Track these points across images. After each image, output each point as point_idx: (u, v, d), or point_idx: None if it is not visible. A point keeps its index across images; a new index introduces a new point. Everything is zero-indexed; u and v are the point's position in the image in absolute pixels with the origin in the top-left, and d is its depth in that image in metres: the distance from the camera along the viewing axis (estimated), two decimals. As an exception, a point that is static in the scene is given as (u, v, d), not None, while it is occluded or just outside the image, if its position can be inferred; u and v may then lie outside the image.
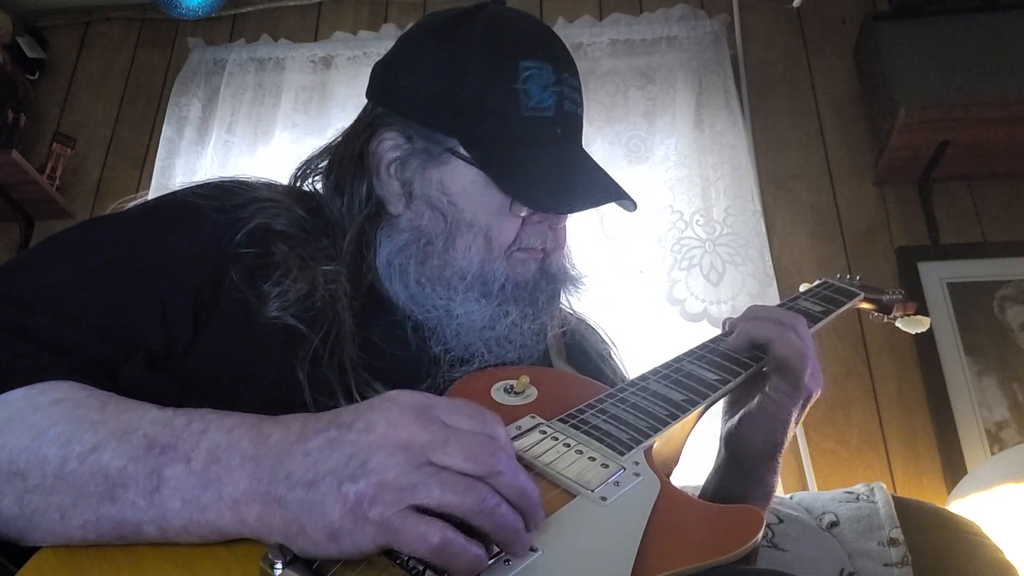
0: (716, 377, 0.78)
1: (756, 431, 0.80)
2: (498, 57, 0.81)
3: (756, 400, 0.80)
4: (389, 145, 0.84)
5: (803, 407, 0.80)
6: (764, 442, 0.80)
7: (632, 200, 0.85)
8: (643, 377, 0.79)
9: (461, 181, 0.81)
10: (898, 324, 1.14)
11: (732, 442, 0.82)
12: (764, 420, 0.79)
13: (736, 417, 0.82)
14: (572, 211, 0.84)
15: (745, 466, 0.82)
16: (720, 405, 0.85)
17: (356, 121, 0.90)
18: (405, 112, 0.83)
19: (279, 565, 0.48)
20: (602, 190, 0.83)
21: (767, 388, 0.79)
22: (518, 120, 0.80)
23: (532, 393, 0.74)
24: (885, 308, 1.12)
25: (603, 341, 1.00)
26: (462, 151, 0.80)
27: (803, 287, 1.08)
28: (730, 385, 0.78)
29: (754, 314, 0.84)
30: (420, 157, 0.82)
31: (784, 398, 0.78)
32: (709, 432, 0.87)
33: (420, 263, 0.81)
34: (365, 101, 0.91)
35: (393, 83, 0.86)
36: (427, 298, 0.80)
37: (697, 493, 0.88)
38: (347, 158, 0.86)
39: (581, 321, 1.00)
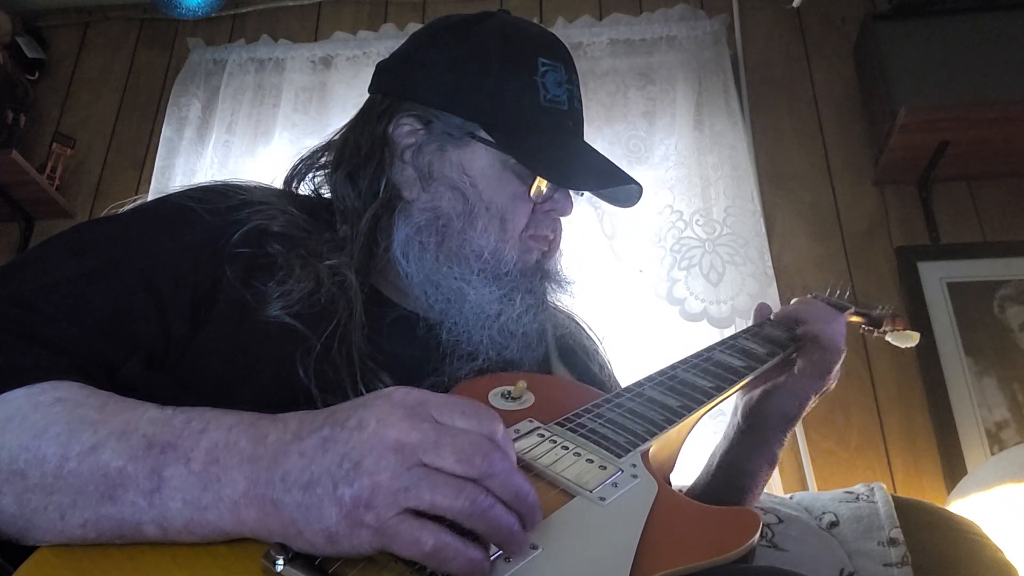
0: (711, 385, 0.80)
1: (775, 403, 0.89)
2: (518, 51, 0.85)
3: (782, 379, 0.89)
4: (406, 131, 0.86)
5: (820, 394, 0.90)
6: (780, 415, 0.88)
7: (639, 185, 0.91)
8: (639, 383, 0.79)
9: (480, 164, 0.83)
10: (888, 338, 1.15)
11: (751, 413, 0.90)
12: (784, 395, 0.88)
13: (760, 391, 0.90)
14: (597, 188, 0.89)
15: (759, 436, 0.90)
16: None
17: (362, 114, 0.92)
18: (424, 100, 0.86)
19: (280, 562, 0.49)
20: (616, 174, 0.89)
21: (795, 369, 0.89)
22: (537, 109, 0.84)
23: (529, 399, 0.74)
24: (875, 322, 1.14)
25: (590, 338, 1.01)
26: (484, 135, 0.83)
27: (794, 301, 1.08)
28: (726, 393, 0.79)
29: (812, 302, 0.95)
30: (439, 140, 0.84)
31: (807, 379, 0.88)
32: (707, 435, 0.88)
33: (438, 243, 0.82)
34: (365, 101, 0.92)
35: (410, 74, 0.88)
36: (443, 277, 0.81)
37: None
38: (360, 148, 0.88)
39: (569, 318, 1.01)
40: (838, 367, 0.90)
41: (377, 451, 0.49)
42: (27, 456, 0.53)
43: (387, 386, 0.70)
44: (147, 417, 0.55)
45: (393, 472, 0.48)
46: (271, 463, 0.51)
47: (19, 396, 0.57)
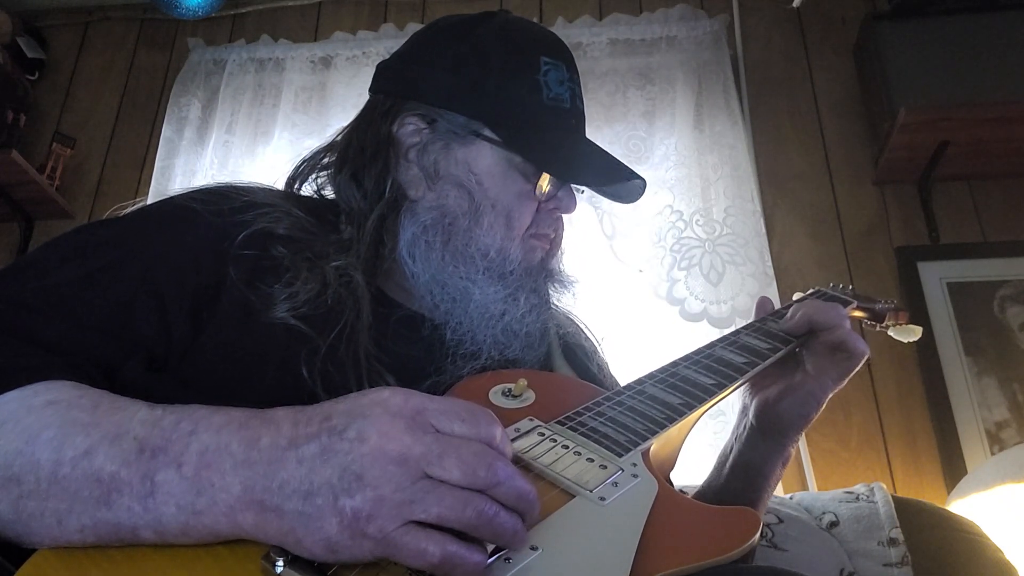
0: (712, 382, 0.79)
1: (793, 403, 0.86)
2: (520, 50, 0.86)
3: (798, 378, 0.87)
4: (411, 130, 0.86)
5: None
6: (798, 416, 0.86)
7: (643, 180, 0.91)
8: (640, 381, 0.79)
9: (486, 162, 0.84)
10: (890, 333, 1.14)
11: (766, 413, 0.87)
12: (803, 395, 0.86)
13: (775, 390, 0.87)
14: (603, 184, 0.90)
15: (774, 435, 0.87)
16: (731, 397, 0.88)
17: (365, 114, 0.92)
18: (428, 99, 0.86)
19: (280, 564, 0.49)
20: (621, 170, 0.89)
21: (809, 368, 0.86)
22: (541, 107, 0.85)
23: (530, 396, 0.74)
24: (877, 317, 1.13)
25: (588, 339, 1.01)
26: (489, 133, 0.84)
27: (796, 296, 1.08)
28: (728, 391, 0.78)
29: (817, 305, 0.90)
30: (443, 139, 0.85)
31: (829, 381, 0.86)
32: (708, 434, 0.88)
33: (444, 242, 0.83)
34: (365, 101, 0.92)
35: (413, 73, 0.89)
36: (449, 276, 0.81)
37: (693, 493, 0.89)
38: (365, 148, 0.87)
39: (568, 318, 1.01)
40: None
41: (380, 464, 0.49)
42: (21, 461, 0.53)
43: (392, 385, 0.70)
44: (138, 418, 0.55)
45: (397, 485, 0.48)
46: (267, 468, 0.50)
47: (12, 399, 0.57)
